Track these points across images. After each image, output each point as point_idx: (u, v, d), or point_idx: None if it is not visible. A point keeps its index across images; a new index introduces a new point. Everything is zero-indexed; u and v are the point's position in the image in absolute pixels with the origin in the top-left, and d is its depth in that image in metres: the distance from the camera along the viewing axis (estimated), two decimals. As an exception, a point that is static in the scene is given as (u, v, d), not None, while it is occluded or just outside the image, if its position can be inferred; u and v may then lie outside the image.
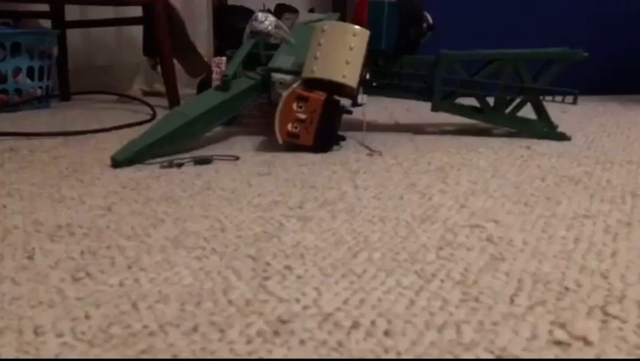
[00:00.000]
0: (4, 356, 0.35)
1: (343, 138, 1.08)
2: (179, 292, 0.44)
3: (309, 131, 1.00)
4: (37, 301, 0.43)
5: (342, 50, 1.01)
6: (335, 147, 1.04)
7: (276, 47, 1.20)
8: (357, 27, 1.03)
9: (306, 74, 1.02)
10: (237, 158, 0.95)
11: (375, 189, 0.75)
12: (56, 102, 1.83)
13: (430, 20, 1.21)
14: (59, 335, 0.38)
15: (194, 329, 0.39)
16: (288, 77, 1.10)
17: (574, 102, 1.14)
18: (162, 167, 0.88)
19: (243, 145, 1.07)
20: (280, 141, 1.00)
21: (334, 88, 1.02)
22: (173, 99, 1.65)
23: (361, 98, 1.15)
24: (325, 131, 1.00)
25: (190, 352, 0.36)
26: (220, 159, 0.94)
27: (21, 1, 1.67)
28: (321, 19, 1.27)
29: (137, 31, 2.12)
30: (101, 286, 0.46)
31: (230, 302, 0.42)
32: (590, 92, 1.93)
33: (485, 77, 1.15)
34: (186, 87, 2.03)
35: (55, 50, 1.72)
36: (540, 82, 1.13)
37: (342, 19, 1.25)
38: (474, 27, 2.01)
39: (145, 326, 0.39)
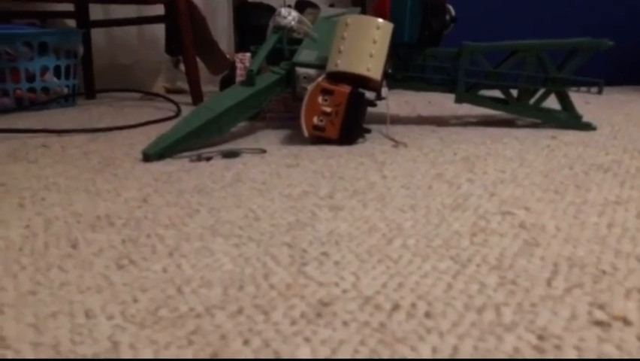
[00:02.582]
0: (60, 338, 0.37)
1: (368, 131, 1.09)
2: (221, 278, 0.45)
3: (334, 124, 1.00)
4: (85, 286, 0.44)
5: (366, 43, 1.02)
6: (360, 140, 1.04)
7: (299, 41, 1.21)
8: (380, 20, 1.03)
9: (331, 67, 1.03)
10: (264, 151, 0.96)
11: (403, 179, 0.76)
12: (82, 100, 1.86)
13: (453, 12, 1.21)
14: (110, 318, 0.39)
15: (239, 311, 0.40)
16: (312, 72, 1.11)
17: (599, 92, 1.13)
18: (191, 160, 0.90)
19: (269, 139, 1.09)
20: (306, 134, 1.01)
21: (358, 81, 1.02)
22: (197, 96, 1.67)
23: (384, 91, 1.16)
24: (350, 124, 1.01)
25: (237, 333, 0.37)
26: (247, 153, 0.95)
27: (47, 0, 1.70)
28: (343, 14, 1.28)
29: (159, 30, 2.14)
30: (145, 272, 0.47)
31: (271, 286, 0.44)
32: (611, 84, 1.91)
33: (509, 68, 1.15)
34: (208, 84, 2.05)
35: (80, 49, 1.75)
36: (564, 72, 1.13)
37: (363, 13, 1.26)
38: (497, 18, 2.00)
39: (191, 309, 0.40)
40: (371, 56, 1.02)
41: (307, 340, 0.36)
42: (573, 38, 1.17)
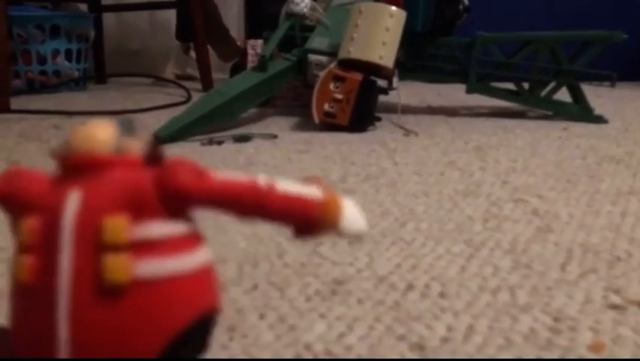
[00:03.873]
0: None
1: (379, 119, 1.09)
2: (236, 255, 0.46)
3: (345, 111, 1.00)
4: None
5: (379, 31, 1.02)
6: (370, 127, 1.04)
7: (311, 28, 1.21)
8: (394, 8, 1.03)
9: (343, 54, 1.03)
10: (275, 136, 0.96)
11: (414, 166, 0.76)
12: (92, 84, 1.87)
13: (467, 2, 1.21)
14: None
15: (255, 287, 0.40)
16: (324, 59, 1.11)
17: (612, 85, 1.13)
18: (203, 144, 0.90)
19: (279, 125, 1.09)
20: (317, 121, 1.01)
21: (370, 69, 1.02)
22: (207, 83, 1.67)
23: (394, 80, 1.15)
24: (361, 112, 1.00)
25: (253, 308, 0.37)
26: (259, 137, 0.95)
27: (59, -16, 1.70)
28: (356, 1, 1.27)
29: (170, 15, 2.14)
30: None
31: (285, 265, 0.44)
32: (621, 79, 1.89)
33: (521, 59, 1.15)
34: (218, 72, 2.05)
35: (91, 33, 1.75)
36: (577, 64, 1.12)
37: (377, 1, 1.25)
38: (510, 9, 1.99)
39: (207, 284, 0.40)
40: (384, 43, 1.01)
41: (322, 316, 0.36)
42: (587, 30, 1.16)
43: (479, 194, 0.63)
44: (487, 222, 0.53)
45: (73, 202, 0.13)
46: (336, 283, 0.41)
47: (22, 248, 0.14)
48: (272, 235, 0.50)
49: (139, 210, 0.13)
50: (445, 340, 0.33)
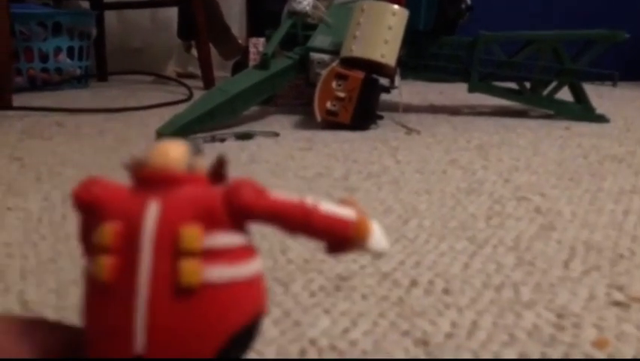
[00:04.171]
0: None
1: (381, 117, 1.09)
2: (239, 252, 0.46)
3: (347, 109, 1.00)
4: (105, 256, 0.45)
5: (381, 30, 1.02)
6: (372, 126, 1.04)
7: (313, 27, 1.21)
8: (396, 6, 1.03)
9: (345, 52, 1.03)
10: (277, 134, 0.96)
11: (417, 164, 0.76)
12: (94, 82, 1.87)
13: (469, 1, 1.21)
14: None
15: (259, 283, 0.40)
16: (326, 57, 1.11)
17: (614, 85, 1.13)
18: (205, 141, 0.90)
19: (281, 123, 1.09)
20: (319, 119, 1.01)
21: (373, 67, 1.02)
22: (209, 81, 1.67)
23: (396, 79, 1.15)
24: (363, 110, 1.00)
25: (257, 303, 0.37)
26: (261, 135, 0.95)
27: (61, -18, 1.70)
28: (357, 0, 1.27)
29: (172, 13, 2.14)
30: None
31: (289, 261, 0.44)
32: (622, 79, 1.89)
33: (523, 58, 1.15)
34: (220, 70, 2.05)
35: (93, 31, 1.75)
36: (579, 64, 1.12)
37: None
38: (512, 8, 1.99)
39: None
40: (386, 42, 1.01)
41: (327, 311, 0.36)
42: (589, 30, 1.16)
43: (482, 192, 0.63)
44: (490, 220, 0.54)
45: (152, 211, 0.15)
46: (340, 279, 0.41)
47: (101, 249, 0.15)
48: (275, 231, 0.50)
49: (209, 222, 0.16)
50: (449, 336, 0.33)
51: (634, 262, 0.44)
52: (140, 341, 0.15)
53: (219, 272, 0.15)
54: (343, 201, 0.18)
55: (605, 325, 0.34)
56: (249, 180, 0.17)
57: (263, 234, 0.49)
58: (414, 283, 0.40)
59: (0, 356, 0.17)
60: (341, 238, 0.18)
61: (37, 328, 0.18)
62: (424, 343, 0.33)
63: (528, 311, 0.36)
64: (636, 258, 0.44)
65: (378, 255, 0.19)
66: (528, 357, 0.31)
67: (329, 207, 0.18)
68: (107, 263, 0.15)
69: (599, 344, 0.32)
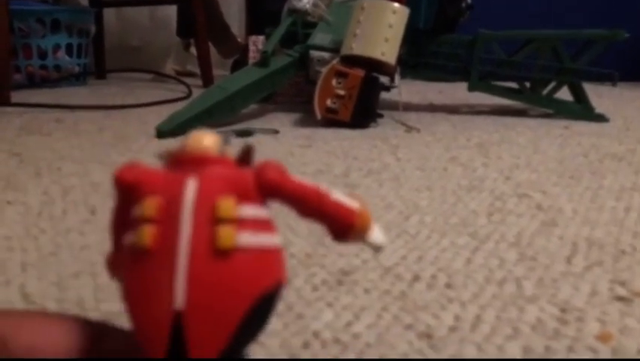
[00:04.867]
0: (83, 296, 0.37)
1: (381, 115, 1.09)
2: (241, 246, 0.46)
3: (347, 107, 1.00)
4: (106, 249, 0.45)
5: (382, 28, 1.01)
6: (372, 124, 1.04)
7: (313, 25, 1.21)
8: (396, 5, 1.03)
9: (345, 50, 1.03)
10: (277, 131, 0.96)
11: (417, 162, 0.76)
12: (92, 80, 1.86)
13: (469, 0, 1.21)
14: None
15: (261, 277, 0.40)
16: (326, 55, 1.11)
17: (613, 84, 1.13)
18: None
19: (281, 120, 1.09)
20: (319, 117, 1.01)
21: (373, 65, 1.02)
22: (208, 80, 1.67)
23: (396, 78, 1.15)
24: (363, 108, 1.00)
25: (259, 296, 0.37)
26: (260, 132, 0.95)
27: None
28: (358, -2, 1.27)
29: (171, 11, 2.14)
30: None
31: (291, 255, 0.44)
32: (622, 79, 1.90)
33: (523, 57, 1.15)
34: (219, 68, 2.04)
35: (92, 28, 1.75)
36: (579, 63, 1.12)
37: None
38: (512, 7, 1.99)
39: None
40: (386, 40, 1.01)
41: (330, 305, 0.36)
42: (589, 29, 1.16)
43: (483, 189, 0.63)
44: (492, 216, 0.53)
45: (191, 186, 0.17)
46: (342, 273, 0.41)
47: (144, 220, 0.17)
48: (277, 226, 0.50)
49: (241, 195, 0.18)
50: (452, 329, 0.33)
51: (636, 257, 0.44)
52: (179, 297, 0.16)
53: (250, 238, 0.17)
54: (350, 195, 0.20)
55: (608, 319, 0.34)
56: (275, 162, 0.18)
57: (264, 229, 0.49)
58: (416, 278, 0.40)
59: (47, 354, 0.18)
60: (346, 226, 0.19)
61: (70, 325, 0.19)
62: (427, 336, 0.32)
63: (531, 305, 0.36)
64: (638, 254, 0.44)
65: (377, 248, 0.20)
66: (532, 350, 0.31)
67: (340, 195, 0.19)
68: (149, 231, 0.17)
69: (603, 337, 0.32)
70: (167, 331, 0.16)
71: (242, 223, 0.17)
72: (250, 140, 0.90)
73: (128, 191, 0.18)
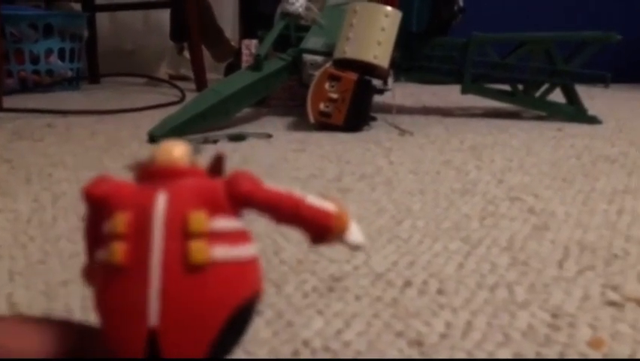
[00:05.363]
0: (71, 305, 0.37)
1: (374, 119, 1.09)
2: (232, 252, 0.45)
3: (340, 110, 1.00)
4: (95, 257, 0.44)
5: (374, 31, 1.01)
6: (365, 127, 1.04)
7: (306, 28, 1.21)
8: (389, 8, 1.03)
9: (338, 54, 1.03)
10: (270, 136, 0.96)
11: (410, 165, 0.76)
12: (85, 84, 1.86)
13: (461, 3, 1.21)
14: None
15: (251, 284, 0.40)
16: (319, 58, 1.11)
17: (606, 86, 1.13)
18: (198, 143, 0.89)
19: (274, 125, 1.08)
20: (312, 121, 1.01)
21: (366, 68, 1.02)
22: (201, 84, 1.66)
23: (389, 81, 1.15)
24: (357, 111, 1.00)
25: (249, 304, 0.37)
26: (254, 137, 0.94)
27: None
28: (351, 1, 1.27)
29: (164, 15, 2.13)
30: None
31: (282, 261, 0.43)
32: (614, 81, 1.90)
33: (516, 59, 1.15)
34: (212, 72, 2.04)
35: (85, 33, 1.75)
36: (572, 65, 1.12)
37: (372, 0, 1.25)
38: (505, 9, 1.99)
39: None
40: (379, 43, 1.01)
41: (320, 312, 0.36)
42: (582, 31, 1.17)
43: (475, 192, 0.63)
44: (484, 220, 0.53)
45: (161, 200, 0.17)
46: (333, 279, 0.40)
47: (115, 237, 0.17)
48: (268, 231, 0.50)
49: (212, 208, 0.17)
50: (443, 336, 0.33)
51: (628, 262, 0.44)
52: (153, 314, 0.16)
53: (223, 252, 0.17)
54: (326, 197, 0.20)
55: (599, 325, 0.34)
56: (247, 172, 0.18)
57: (256, 234, 0.49)
58: (408, 284, 0.40)
59: (12, 356, 0.18)
60: (323, 229, 0.19)
61: (46, 327, 0.19)
62: (418, 343, 0.32)
63: (523, 311, 0.36)
64: (630, 258, 0.44)
65: (355, 248, 0.20)
66: (523, 357, 0.31)
67: (314, 199, 0.19)
68: (121, 248, 0.17)
69: (595, 343, 0.32)
70: (141, 347, 0.16)
71: (215, 237, 0.17)
72: (243, 144, 0.89)
73: (98, 206, 0.18)
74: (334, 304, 0.37)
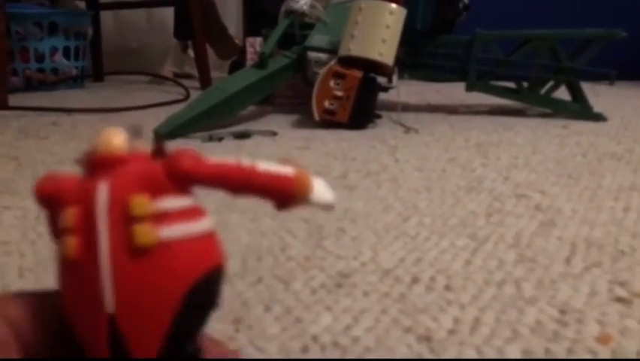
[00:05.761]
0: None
1: (379, 116, 1.09)
2: (239, 249, 0.45)
3: (345, 108, 1.00)
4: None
5: (379, 28, 1.01)
6: (370, 125, 1.04)
7: (311, 26, 1.21)
8: (394, 5, 1.03)
9: (343, 51, 1.03)
10: (275, 133, 0.96)
11: (416, 162, 0.76)
12: (90, 82, 1.86)
13: (466, 0, 1.21)
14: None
15: (259, 280, 0.40)
16: (323, 56, 1.11)
17: (611, 83, 1.13)
18: (203, 141, 0.90)
19: (279, 122, 1.08)
20: (317, 118, 1.01)
21: (370, 66, 1.02)
22: (205, 81, 1.67)
23: (394, 79, 1.15)
24: (361, 109, 1.00)
25: (258, 300, 0.37)
26: (258, 134, 0.95)
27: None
28: (355, -1, 1.27)
29: (168, 13, 2.13)
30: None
31: (289, 258, 0.44)
32: (619, 78, 1.90)
33: (521, 57, 1.15)
34: (216, 70, 2.04)
35: (89, 31, 1.75)
36: (577, 62, 1.12)
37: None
38: (510, 6, 1.99)
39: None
40: (384, 41, 1.01)
41: (328, 308, 0.36)
42: (587, 28, 1.16)
43: (481, 190, 0.63)
44: (491, 217, 0.53)
45: (103, 190, 0.17)
46: (341, 276, 0.41)
47: (65, 232, 0.18)
48: (275, 229, 0.50)
49: (154, 190, 0.17)
50: (452, 332, 0.33)
51: (635, 258, 0.44)
52: (109, 302, 0.17)
53: (171, 230, 0.17)
54: (283, 161, 0.19)
55: (607, 320, 0.34)
56: (187, 149, 0.18)
57: (262, 232, 0.49)
58: (415, 280, 0.40)
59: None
60: (283, 194, 0.19)
61: (25, 300, 0.19)
62: (426, 339, 0.32)
63: (530, 307, 0.36)
64: (637, 254, 0.44)
65: (325, 208, 0.20)
66: (532, 352, 0.31)
67: (267, 165, 0.19)
68: (71, 243, 0.17)
69: (603, 339, 0.32)
70: (104, 335, 0.17)
71: (161, 217, 0.17)
72: (248, 142, 0.89)
73: (51, 203, 0.19)
74: (342, 300, 0.37)
